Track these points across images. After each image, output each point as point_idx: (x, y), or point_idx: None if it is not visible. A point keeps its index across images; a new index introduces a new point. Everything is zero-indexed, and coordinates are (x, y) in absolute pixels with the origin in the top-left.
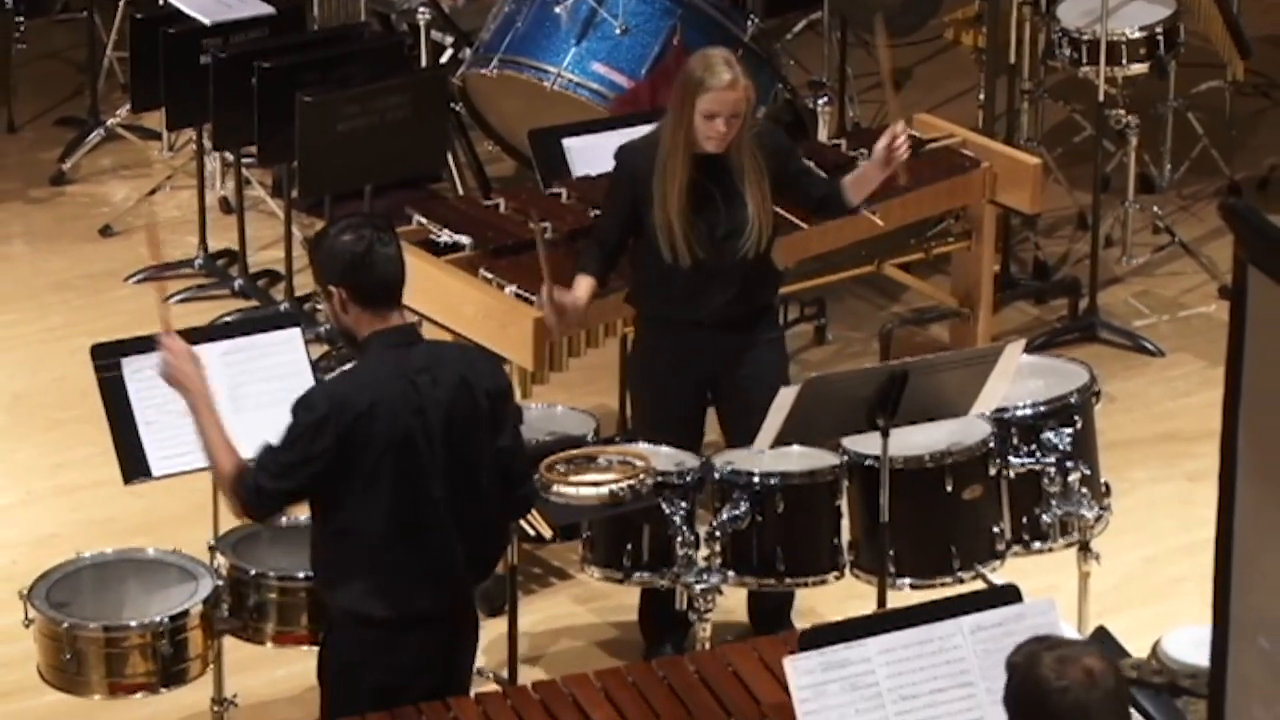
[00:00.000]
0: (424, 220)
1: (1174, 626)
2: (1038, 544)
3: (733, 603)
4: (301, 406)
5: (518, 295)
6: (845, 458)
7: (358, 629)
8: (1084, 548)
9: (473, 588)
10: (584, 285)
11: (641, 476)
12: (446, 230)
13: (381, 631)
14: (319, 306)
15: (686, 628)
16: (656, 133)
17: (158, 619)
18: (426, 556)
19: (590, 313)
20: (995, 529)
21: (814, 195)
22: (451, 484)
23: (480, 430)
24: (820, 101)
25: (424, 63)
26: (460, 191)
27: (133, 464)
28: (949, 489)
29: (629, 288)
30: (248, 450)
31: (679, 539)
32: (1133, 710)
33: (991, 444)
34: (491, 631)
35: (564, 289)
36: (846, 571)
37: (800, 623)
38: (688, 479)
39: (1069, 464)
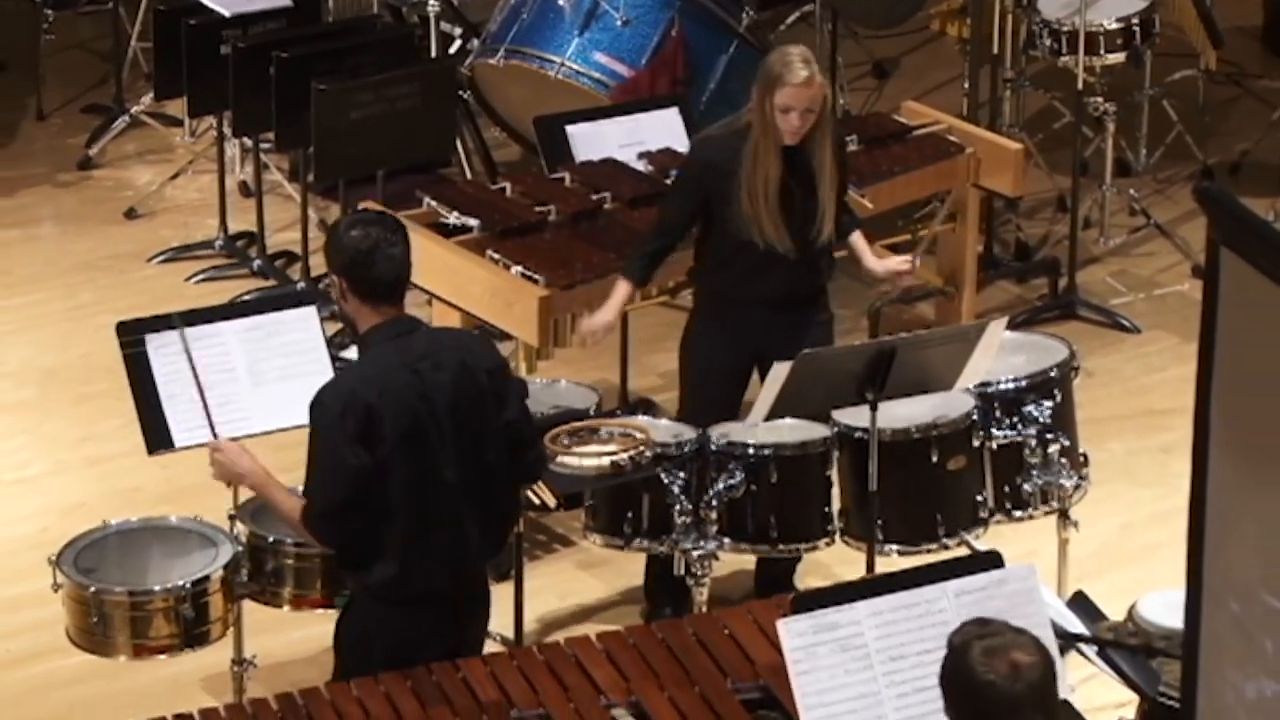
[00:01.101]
0: (433, 203)
1: (1149, 591)
2: (1019, 512)
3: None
4: (316, 409)
5: (523, 275)
6: (836, 430)
7: (375, 605)
8: (1063, 515)
9: (485, 564)
10: (621, 293)
11: (641, 448)
12: (455, 213)
13: (397, 608)
14: (327, 288)
15: (687, 592)
16: (731, 125)
17: (180, 584)
18: (440, 538)
19: (592, 292)
20: (978, 498)
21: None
22: (462, 465)
23: (485, 408)
24: None
25: (433, 53)
26: (468, 176)
27: (156, 436)
28: (934, 460)
29: (694, 266)
30: (261, 420)
31: (677, 507)
32: (1109, 668)
33: (975, 417)
34: (498, 595)
35: (592, 317)
36: (837, 538)
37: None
38: (685, 450)
39: (1049, 436)
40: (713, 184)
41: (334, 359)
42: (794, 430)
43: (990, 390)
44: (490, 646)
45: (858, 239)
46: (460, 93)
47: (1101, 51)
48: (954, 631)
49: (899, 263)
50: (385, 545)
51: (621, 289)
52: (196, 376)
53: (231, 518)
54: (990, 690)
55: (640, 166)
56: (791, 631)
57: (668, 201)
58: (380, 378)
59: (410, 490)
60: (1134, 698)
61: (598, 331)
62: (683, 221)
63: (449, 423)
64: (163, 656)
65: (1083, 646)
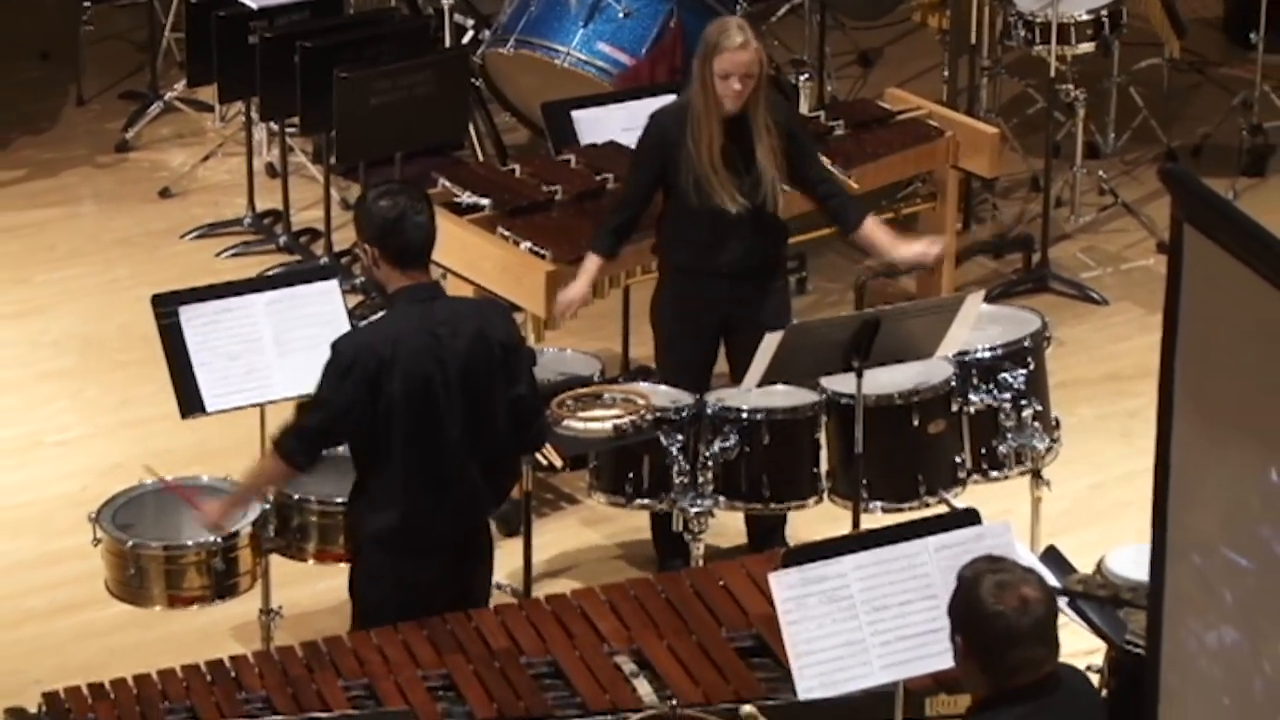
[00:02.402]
0: (448, 183)
1: (1116, 545)
2: (995, 472)
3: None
4: (332, 353)
5: (531, 251)
6: (824, 396)
7: (383, 553)
8: (1036, 475)
9: (487, 517)
10: (590, 268)
11: (642, 412)
12: (468, 192)
13: (401, 556)
14: (358, 255)
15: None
16: (681, 101)
17: (212, 539)
18: (444, 491)
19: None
20: (957, 459)
21: (817, 181)
22: (467, 426)
23: (495, 377)
24: (802, 78)
25: (447, 43)
26: (480, 158)
27: (189, 401)
28: (916, 423)
29: (655, 240)
30: (285, 386)
31: (675, 468)
32: (1079, 618)
33: (954, 383)
34: (509, 551)
35: (565, 291)
36: (825, 497)
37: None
38: (683, 414)
39: (1023, 401)
40: (666, 155)
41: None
42: (785, 396)
43: (968, 358)
44: (500, 598)
45: (874, 228)
46: (473, 80)
47: (1072, 41)
48: (965, 565)
49: (925, 244)
50: (387, 496)
51: (591, 262)
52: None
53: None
54: (1000, 621)
55: None
56: (782, 584)
57: (628, 176)
58: (398, 335)
59: (413, 444)
60: (1102, 645)
61: (573, 304)
62: (642, 194)
63: (458, 387)
64: (195, 607)
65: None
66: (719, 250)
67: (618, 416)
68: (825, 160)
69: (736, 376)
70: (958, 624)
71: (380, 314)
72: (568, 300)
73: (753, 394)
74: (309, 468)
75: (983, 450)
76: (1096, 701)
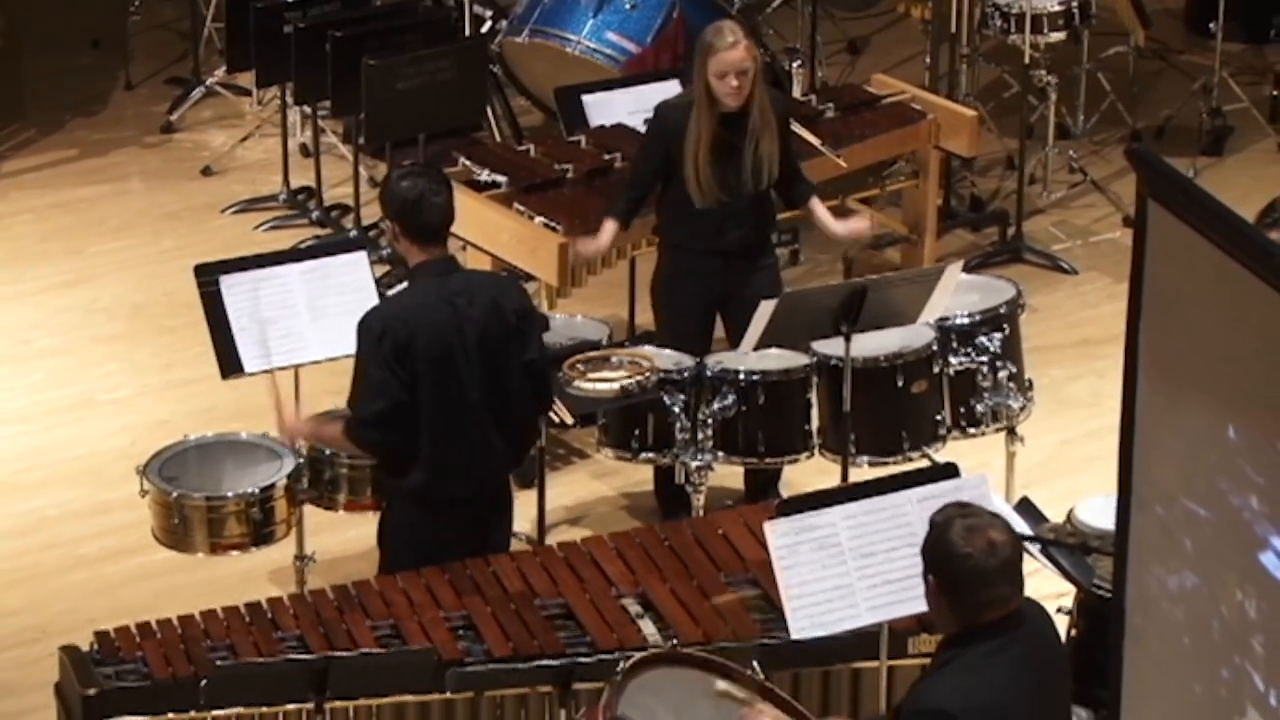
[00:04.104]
0: (468, 162)
1: (1085, 497)
2: (973, 429)
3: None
4: (362, 329)
5: (545, 224)
6: (815, 358)
7: (409, 507)
8: (1011, 432)
9: (507, 473)
10: (609, 229)
11: (647, 374)
12: (486, 170)
13: (428, 510)
14: (384, 228)
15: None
16: (687, 96)
17: (250, 490)
18: (465, 449)
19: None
20: (938, 417)
21: (789, 175)
22: (485, 389)
23: (509, 343)
24: (794, 64)
25: (467, 32)
26: (497, 139)
27: (229, 363)
28: (900, 384)
29: (657, 220)
30: (318, 349)
31: (678, 425)
32: (1050, 564)
33: (935, 347)
34: (524, 501)
35: (589, 239)
36: (816, 452)
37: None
38: (685, 376)
39: (999, 363)
40: (668, 144)
41: (381, 297)
42: (779, 359)
43: (948, 324)
44: (516, 545)
45: (816, 205)
46: (490, 67)
47: (1045, 31)
48: (936, 511)
49: (857, 222)
50: (416, 455)
51: (609, 226)
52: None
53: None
54: (970, 562)
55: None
56: (776, 532)
57: (634, 160)
58: (419, 307)
59: (437, 408)
60: (1072, 589)
61: (589, 253)
62: (647, 177)
63: (476, 352)
64: (235, 553)
65: (1028, 545)
66: (713, 232)
67: (624, 378)
68: (813, 138)
69: (734, 345)
70: (930, 565)
71: (401, 287)
72: (590, 249)
73: (749, 357)
74: (394, 447)
75: (961, 409)
76: (1054, 631)
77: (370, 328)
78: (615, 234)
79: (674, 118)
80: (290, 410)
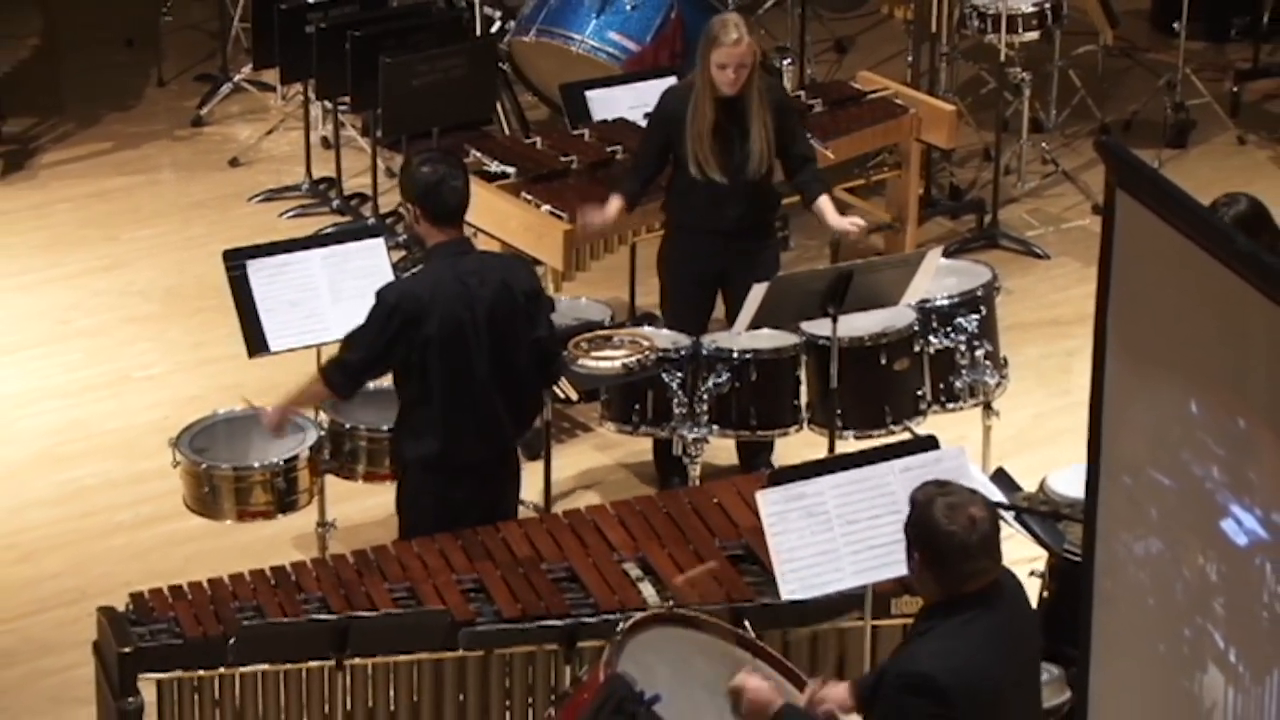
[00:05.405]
0: (478, 154)
1: (1057, 467)
2: (951, 404)
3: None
4: (378, 298)
5: (551, 213)
6: (804, 338)
7: (423, 474)
8: (987, 407)
9: (514, 442)
10: (615, 203)
11: (647, 352)
12: (496, 162)
13: (441, 477)
14: (401, 215)
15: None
16: (689, 81)
17: (275, 461)
18: (475, 419)
19: (605, 227)
20: (919, 392)
21: (794, 156)
22: (494, 363)
23: (518, 321)
24: (785, 62)
25: (478, 32)
26: (506, 132)
27: (255, 342)
28: (883, 362)
29: (665, 200)
30: (339, 329)
31: (676, 400)
32: (1024, 530)
33: (916, 327)
34: (531, 472)
35: (597, 208)
36: (804, 426)
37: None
38: (682, 354)
39: (976, 342)
40: (671, 128)
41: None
42: (770, 338)
43: (928, 306)
44: (524, 513)
45: (825, 202)
46: (500, 65)
47: (1020, 30)
48: (916, 490)
49: (850, 222)
50: (427, 424)
51: (615, 200)
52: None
53: (316, 408)
54: (953, 539)
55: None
56: (768, 500)
57: (639, 144)
58: (434, 284)
59: (448, 379)
60: (1044, 553)
61: (594, 223)
62: (651, 160)
63: (486, 329)
64: (261, 520)
65: (1003, 512)
66: (715, 212)
67: (626, 356)
68: (807, 136)
69: (731, 322)
70: (914, 541)
71: (419, 266)
72: (596, 219)
73: (742, 336)
74: (350, 396)
75: (941, 385)
76: (1027, 599)
77: (385, 299)
78: (620, 209)
79: (673, 104)
80: (266, 412)
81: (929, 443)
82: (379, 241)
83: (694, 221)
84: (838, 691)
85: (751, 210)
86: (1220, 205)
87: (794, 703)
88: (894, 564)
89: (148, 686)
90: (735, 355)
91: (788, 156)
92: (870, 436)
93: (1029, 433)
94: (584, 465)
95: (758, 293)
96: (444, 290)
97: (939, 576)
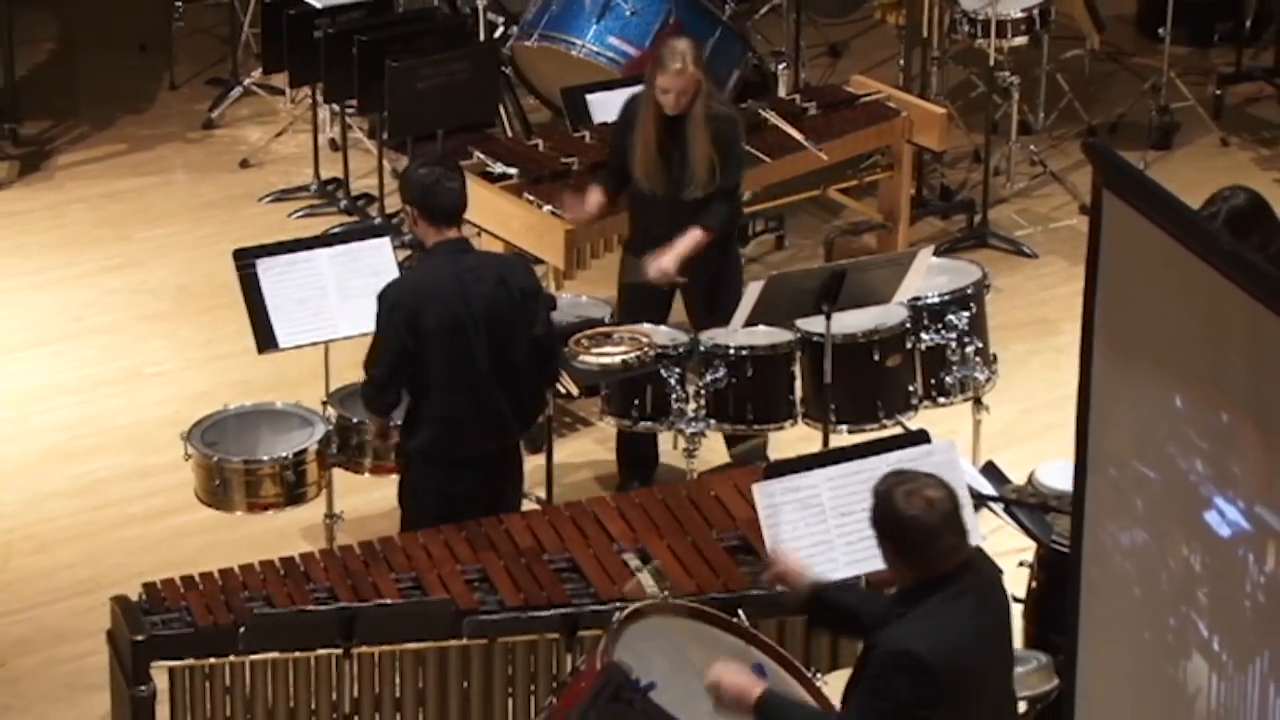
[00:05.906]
0: (482, 156)
1: (1045, 461)
2: (942, 399)
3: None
4: (380, 299)
5: (552, 213)
6: (798, 335)
7: (424, 465)
8: (977, 402)
9: (516, 437)
10: (594, 196)
11: (646, 349)
12: (499, 163)
13: (441, 468)
14: (404, 214)
15: (652, 466)
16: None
17: (284, 454)
18: (475, 414)
19: (606, 225)
20: (910, 388)
21: (716, 187)
22: (493, 359)
23: (514, 317)
24: (780, 66)
25: (481, 37)
26: (509, 134)
27: (264, 338)
28: (876, 358)
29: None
30: (347, 326)
31: (674, 395)
32: (1013, 521)
33: (908, 324)
34: (533, 465)
35: (578, 199)
36: (799, 420)
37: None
38: (680, 351)
39: (966, 339)
40: (627, 134)
41: None
42: (766, 335)
43: (920, 303)
44: (526, 505)
45: (686, 235)
46: (502, 68)
47: (1009, 35)
48: (877, 482)
49: (656, 268)
50: (429, 418)
51: (595, 193)
52: None
53: (324, 403)
54: (915, 523)
55: None
56: (763, 493)
57: (610, 143)
58: (431, 282)
59: (448, 375)
60: (1032, 544)
61: (579, 218)
62: (618, 165)
63: (483, 326)
64: (270, 512)
65: (992, 505)
66: (661, 221)
67: (625, 352)
68: (797, 134)
69: (695, 325)
70: (882, 533)
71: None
72: (584, 208)
73: (739, 333)
74: (394, 404)
75: (932, 381)
76: (999, 575)
77: (385, 298)
78: (600, 199)
79: (632, 111)
80: None
81: (920, 437)
82: (385, 241)
83: (646, 231)
84: (794, 559)
85: (693, 223)
86: (1220, 199)
87: (785, 689)
88: None
89: (160, 674)
90: (732, 351)
91: (715, 184)
92: (863, 431)
93: (1018, 427)
94: (585, 458)
95: (754, 291)
96: (441, 286)
97: (911, 562)
